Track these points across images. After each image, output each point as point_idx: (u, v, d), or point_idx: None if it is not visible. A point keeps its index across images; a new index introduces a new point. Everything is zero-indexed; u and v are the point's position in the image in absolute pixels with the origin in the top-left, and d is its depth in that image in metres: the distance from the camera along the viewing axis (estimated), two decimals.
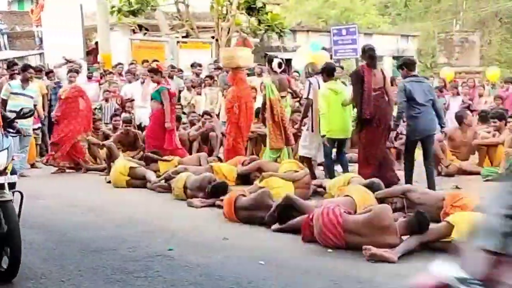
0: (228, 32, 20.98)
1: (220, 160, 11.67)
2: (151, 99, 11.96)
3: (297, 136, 11.26)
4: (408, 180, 9.29)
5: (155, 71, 11.94)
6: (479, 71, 24.70)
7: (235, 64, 11.56)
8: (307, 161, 10.51)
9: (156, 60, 17.09)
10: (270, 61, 11.75)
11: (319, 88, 10.41)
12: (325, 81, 10.24)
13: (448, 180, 10.27)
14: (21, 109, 6.54)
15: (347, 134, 10.21)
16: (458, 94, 15.46)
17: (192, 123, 13.45)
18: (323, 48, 15.01)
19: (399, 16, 44.38)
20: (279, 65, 11.43)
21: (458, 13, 32.38)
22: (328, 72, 10.24)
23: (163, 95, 11.57)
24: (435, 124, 9.36)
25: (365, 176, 8.90)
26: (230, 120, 11.55)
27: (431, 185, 9.15)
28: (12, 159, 5.70)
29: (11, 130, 6.31)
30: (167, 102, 11.52)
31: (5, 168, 5.53)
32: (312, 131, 10.46)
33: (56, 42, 22.68)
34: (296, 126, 11.31)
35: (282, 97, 11.37)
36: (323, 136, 9.96)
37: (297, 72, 15.89)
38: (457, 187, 9.41)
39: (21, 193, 5.59)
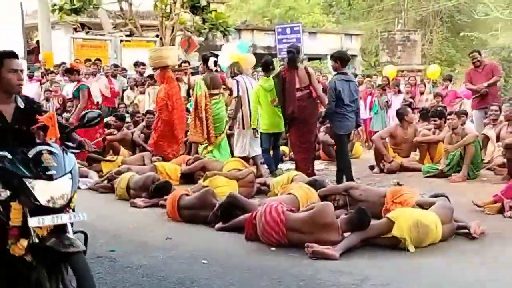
0: (172, 31, 20.84)
1: (163, 159, 11.60)
2: (73, 97, 12.04)
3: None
4: (349, 177, 9.42)
5: (70, 71, 12.20)
6: (420, 70, 25.10)
7: (164, 63, 11.97)
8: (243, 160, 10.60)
9: (99, 59, 16.93)
10: (205, 60, 11.92)
11: (246, 86, 10.92)
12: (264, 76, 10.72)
13: (390, 177, 10.42)
14: (85, 114, 4.69)
15: (280, 128, 10.35)
16: (400, 92, 15.70)
17: (136, 123, 13.34)
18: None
19: (343, 15, 44.77)
20: (215, 63, 11.66)
21: (400, 12, 32.84)
22: (263, 68, 10.68)
23: (81, 93, 11.72)
24: (354, 122, 9.66)
25: (303, 172, 9.23)
26: (160, 117, 11.88)
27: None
28: (78, 188, 4.32)
29: (71, 144, 4.50)
30: (83, 100, 11.71)
31: (70, 201, 4.11)
32: (243, 128, 10.90)
33: None
34: (229, 124, 11.59)
35: (215, 94, 11.67)
36: (254, 129, 10.56)
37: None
38: (398, 184, 9.54)
39: (84, 233, 4.24)
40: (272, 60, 11.03)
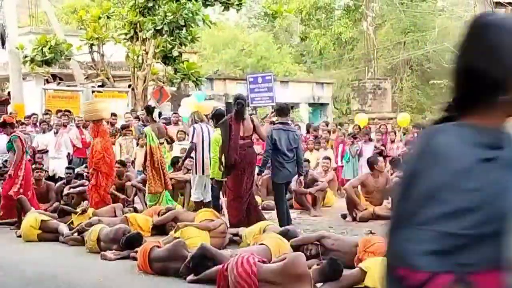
0: (144, 81, 20.90)
1: (135, 210, 11.49)
2: (8, 151, 11.96)
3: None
4: (288, 221, 9.79)
5: (2, 125, 12.16)
6: (391, 117, 25.40)
7: (99, 116, 12.02)
8: (199, 204, 11.20)
9: (68, 111, 16.86)
10: (150, 112, 12.42)
11: (202, 133, 11.30)
12: (215, 126, 11.01)
13: (362, 225, 10.42)
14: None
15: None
16: (370, 140, 15.81)
17: None
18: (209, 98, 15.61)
19: (314, 64, 45.32)
20: (159, 114, 12.17)
21: (370, 61, 33.27)
22: (217, 118, 10.83)
23: (15, 143, 11.61)
24: (295, 170, 10.07)
25: (234, 218, 9.79)
26: (100, 171, 11.75)
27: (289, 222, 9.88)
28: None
29: None
30: (18, 150, 11.56)
31: None
32: (196, 173, 11.29)
33: None
34: (178, 166, 12.37)
35: (160, 143, 12.16)
36: (212, 178, 10.88)
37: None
38: (371, 232, 9.53)
39: None
40: (224, 112, 11.26)
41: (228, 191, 10.28)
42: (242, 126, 9.91)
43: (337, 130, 17.53)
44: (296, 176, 10.39)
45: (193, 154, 11.47)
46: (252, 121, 10.15)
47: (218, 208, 10.76)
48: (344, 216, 11.22)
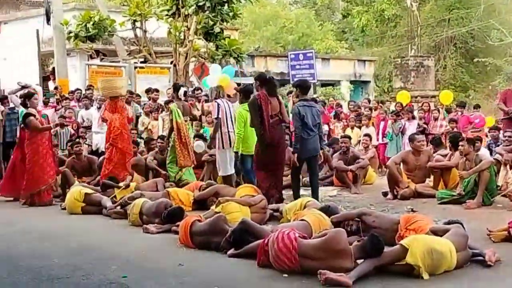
0: (186, 58, 20.96)
1: (176, 185, 11.61)
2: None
3: None
4: (296, 196, 9.85)
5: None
6: (434, 95, 25.07)
7: (116, 93, 12.17)
8: (227, 178, 11.50)
9: None
10: (176, 89, 12.63)
11: (225, 109, 11.57)
12: (241, 102, 11.23)
13: (403, 203, 10.35)
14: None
15: None
16: (413, 118, 15.63)
17: (150, 150, 13.42)
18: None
19: (356, 41, 44.91)
20: (184, 93, 12.38)
21: (413, 38, 32.82)
22: (245, 95, 11.06)
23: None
24: (319, 145, 10.26)
25: (268, 196, 9.71)
26: (116, 146, 11.90)
27: (315, 198, 9.80)
28: None
29: None
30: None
31: None
32: (223, 147, 11.49)
33: (12, 67, 22.49)
34: (207, 144, 12.68)
35: (185, 121, 12.46)
36: (236, 153, 11.10)
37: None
38: (412, 210, 9.49)
39: None
40: (252, 89, 11.37)
41: (256, 167, 10.36)
42: (270, 105, 10.02)
43: (378, 108, 17.40)
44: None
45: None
46: (278, 99, 10.29)
47: (252, 182, 10.74)
48: (385, 194, 11.15)
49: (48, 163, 11.62)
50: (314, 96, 22.18)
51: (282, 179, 10.52)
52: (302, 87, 10.51)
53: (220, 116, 11.51)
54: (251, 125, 10.32)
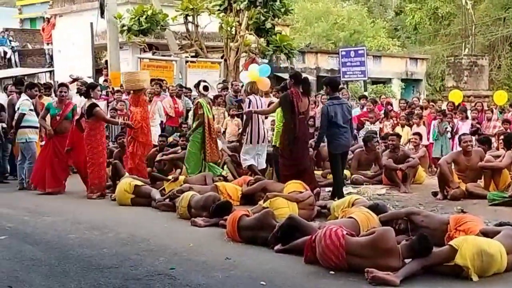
0: (237, 53, 21.05)
1: (225, 179, 11.67)
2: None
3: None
4: (340, 194, 10.18)
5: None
6: (487, 95, 24.66)
7: (140, 86, 12.16)
8: (251, 169, 11.69)
9: (161, 80, 17.16)
10: (197, 85, 12.74)
11: (257, 105, 11.75)
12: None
13: (453, 204, 10.20)
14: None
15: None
16: (467, 118, 15.37)
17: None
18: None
19: (409, 39, 44.45)
20: (204, 88, 12.40)
21: (467, 37, 32.34)
22: (283, 91, 11.29)
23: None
24: (351, 140, 10.93)
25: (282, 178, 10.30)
26: (137, 140, 11.96)
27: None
28: None
29: None
30: None
31: None
32: (251, 143, 11.67)
33: (66, 60, 22.91)
34: (237, 138, 12.90)
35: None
36: (274, 146, 11.42)
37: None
38: (462, 211, 9.34)
39: None
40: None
41: (282, 159, 10.69)
42: (301, 103, 10.43)
43: (429, 107, 17.17)
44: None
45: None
46: (308, 99, 10.82)
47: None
48: (434, 194, 10.99)
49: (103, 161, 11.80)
50: (365, 93, 22.04)
51: (311, 171, 10.88)
52: (333, 85, 10.80)
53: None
54: (282, 118, 10.75)
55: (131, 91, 12.52)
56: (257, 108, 11.71)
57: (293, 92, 10.44)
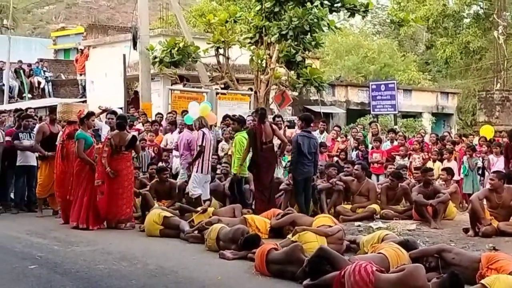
0: (267, 85, 21.11)
1: (253, 211, 11.66)
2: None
3: None
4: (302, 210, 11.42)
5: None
6: None
7: (75, 118, 12.15)
8: (196, 199, 12.17)
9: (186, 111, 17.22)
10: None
11: (209, 137, 12.69)
12: (237, 130, 13.04)
13: (485, 241, 10.04)
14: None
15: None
16: (501, 153, 15.14)
17: (227, 175, 13.46)
18: None
19: (440, 73, 44.28)
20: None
21: (499, 71, 32.16)
22: (242, 124, 13.20)
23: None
24: (312, 170, 12.09)
25: (260, 210, 11.39)
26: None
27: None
28: None
29: None
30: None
31: None
32: (202, 172, 12.35)
33: (99, 90, 23.22)
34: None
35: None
36: (235, 174, 12.47)
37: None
38: (494, 248, 9.19)
39: None
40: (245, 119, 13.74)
41: (255, 184, 12.35)
42: (264, 133, 12.07)
43: (461, 142, 17.02)
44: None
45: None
46: (272, 126, 12.39)
47: (245, 202, 12.35)
48: (466, 230, 10.83)
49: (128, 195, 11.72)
50: (395, 127, 21.94)
51: (273, 192, 12.30)
52: (306, 121, 12.39)
53: (204, 144, 12.37)
54: (248, 150, 12.19)
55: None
56: (209, 140, 12.58)
57: (255, 125, 12.35)
